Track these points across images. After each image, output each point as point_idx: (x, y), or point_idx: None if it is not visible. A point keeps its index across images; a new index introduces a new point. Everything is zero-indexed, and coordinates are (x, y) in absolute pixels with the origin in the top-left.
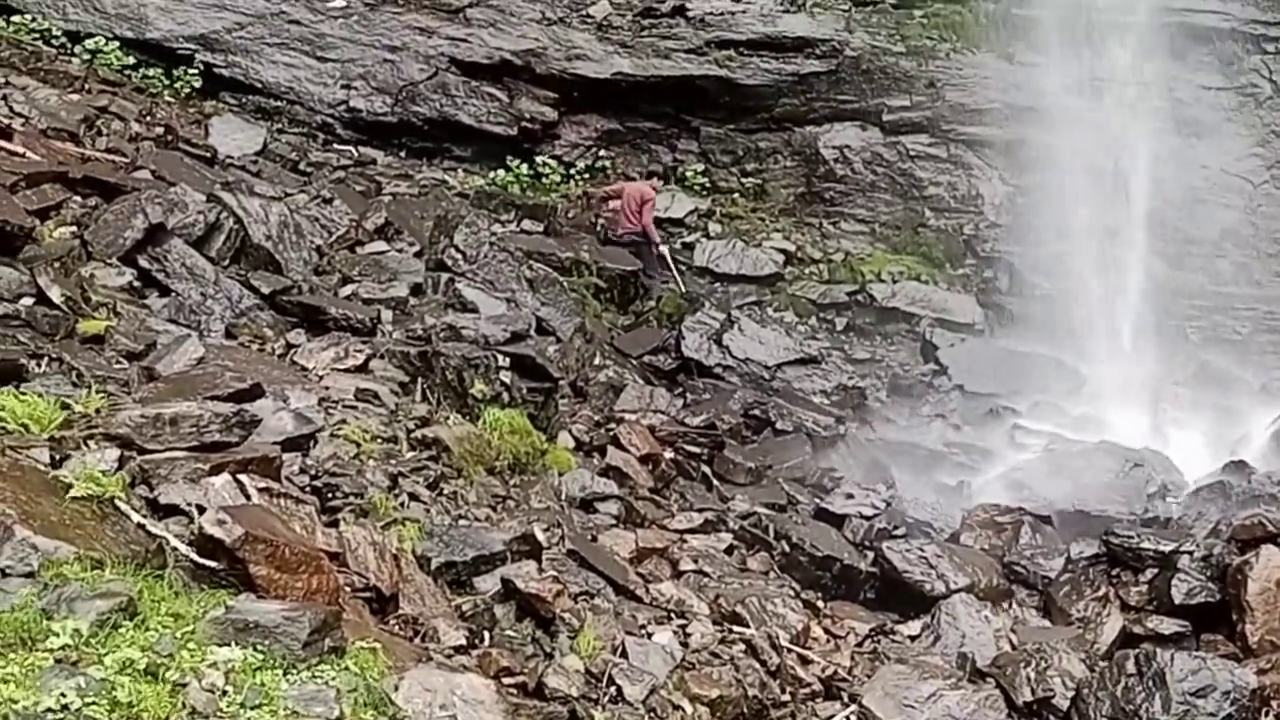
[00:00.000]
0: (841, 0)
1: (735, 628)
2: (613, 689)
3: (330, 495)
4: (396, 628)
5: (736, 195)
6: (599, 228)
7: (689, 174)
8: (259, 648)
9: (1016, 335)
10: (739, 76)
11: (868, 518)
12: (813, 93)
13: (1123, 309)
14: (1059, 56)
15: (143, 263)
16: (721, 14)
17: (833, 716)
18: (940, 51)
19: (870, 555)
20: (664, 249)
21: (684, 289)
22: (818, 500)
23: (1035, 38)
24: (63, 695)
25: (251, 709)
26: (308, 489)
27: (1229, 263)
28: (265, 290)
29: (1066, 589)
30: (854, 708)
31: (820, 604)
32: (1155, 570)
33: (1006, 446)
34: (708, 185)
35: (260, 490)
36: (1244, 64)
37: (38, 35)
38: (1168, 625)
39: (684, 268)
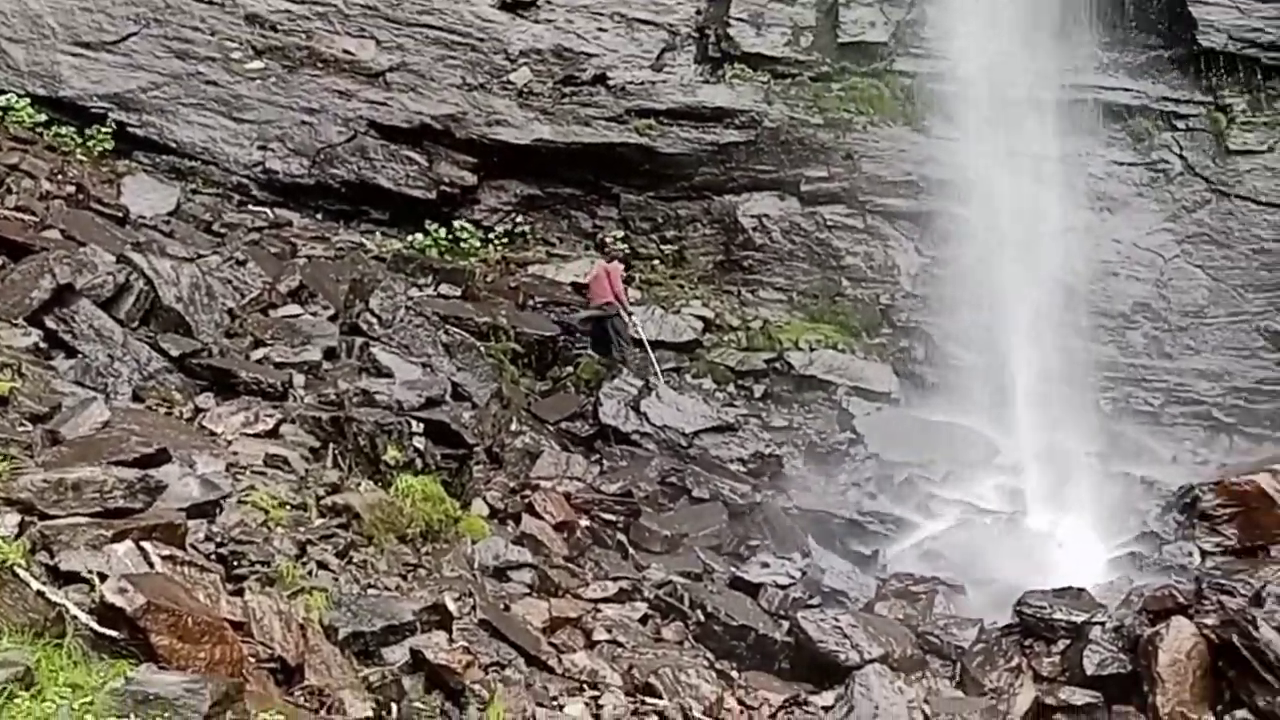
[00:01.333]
0: (760, 72)
1: (648, 699)
2: None
3: (236, 563)
4: (302, 699)
5: (656, 262)
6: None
7: (608, 240)
8: None
9: (932, 405)
10: (659, 145)
11: (783, 587)
12: (732, 162)
13: (1036, 379)
14: (973, 130)
15: (49, 324)
16: (642, 83)
17: None
18: (857, 124)
19: (785, 625)
20: (636, 322)
21: (657, 370)
22: (733, 569)
23: (950, 111)
24: None
25: None
26: (213, 556)
27: (1141, 335)
28: (174, 353)
29: (980, 659)
30: None
31: (734, 674)
32: (1068, 641)
33: (921, 516)
34: (627, 252)
35: (164, 558)
36: (1155, 140)
37: None
38: (1079, 696)
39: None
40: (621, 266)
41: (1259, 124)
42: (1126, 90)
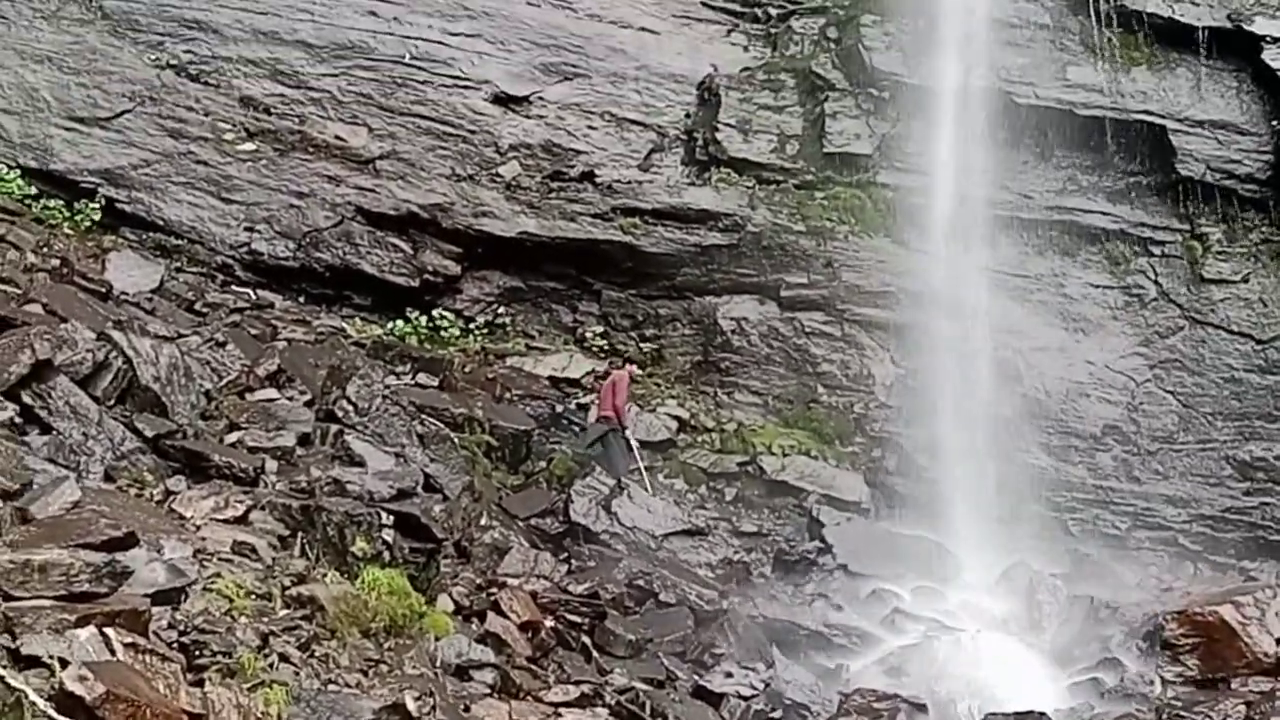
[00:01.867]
0: (746, 177)
1: None
2: None
3: (198, 653)
4: None
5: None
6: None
7: (588, 335)
8: None
9: (901, 517)
10: (643, 244)
11: (746, 698)
12: (714, 264)
13: (1005, 497)
14: (952, 245)
15: (26, 398)
16: (629, 182)
17: None
18: (839, 233)
19: None
20: (631, 437)
21: (649, 490)
22: (697, 677)
23: (929, 226)
24: None
25: None
26: (175, 645)
27: (1110, 458)
28: (149, 433)
29: None
30: None
31: None
32: None
33: (886, 631)
34: (606, 348)
35: (126, 645)
36: (1131, 265)
37: None
38: None
39: (578, 429)
40: (627, 376)
41: (1234, 254)
42: (1105, 214)
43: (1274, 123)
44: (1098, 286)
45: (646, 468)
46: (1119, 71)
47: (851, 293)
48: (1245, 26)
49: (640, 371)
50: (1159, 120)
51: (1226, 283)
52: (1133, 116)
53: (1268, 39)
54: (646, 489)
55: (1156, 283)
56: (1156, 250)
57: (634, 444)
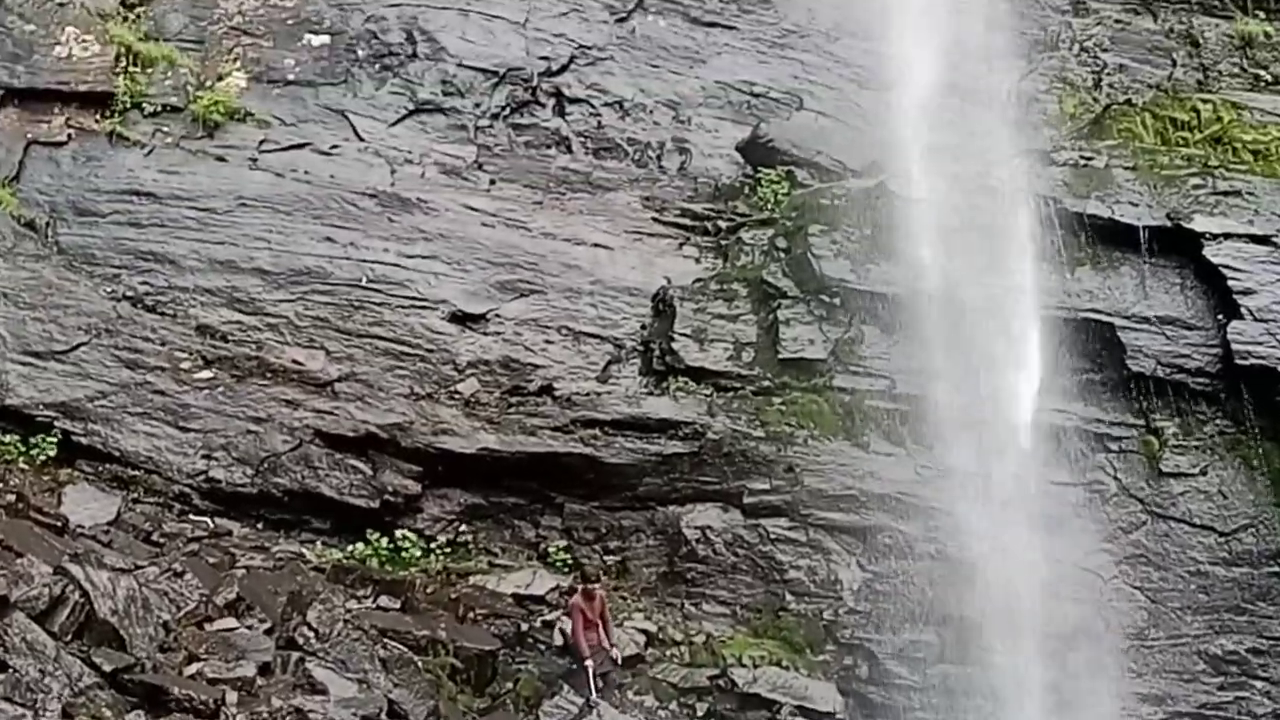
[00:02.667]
0: (703, 385)
1: None
2: None
3: None
4: None
5: (599, 573)
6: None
7: (551, 550)
8: None
9: None
10: (604, 455)
11: None
12: (676, 473)
13: (978, 701)
14: (911, 448)
15: None
16: (588, 394)
17: None
18: (799, 438)
19: None
20: (591, 669)
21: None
22: None
23: (888, 428)
24: None
25: None
26: None
27: (1082, 658)
28: (107, 668)
29: None
30: None
31: None
32: None
33: None
34: (570, 562)
35: None
36: (1090, 461)
37: None
38: None
39: (544, 647)
40: (580, 601)
41: (1190, 447)
42: (1059, 411)
43: (1219, 316)
44: (1058, 484)
45: (615, 685)
46: (1064, 272)
47: (814, 497)
48: (1185, 224)
49: (598, 587)
50: (1107, 318)
51: (1185, 476)
52: (1080, 315)
53: (1206, 235)
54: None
55: (1116, 478)
56: (1114, 446)
57: (591, 677)
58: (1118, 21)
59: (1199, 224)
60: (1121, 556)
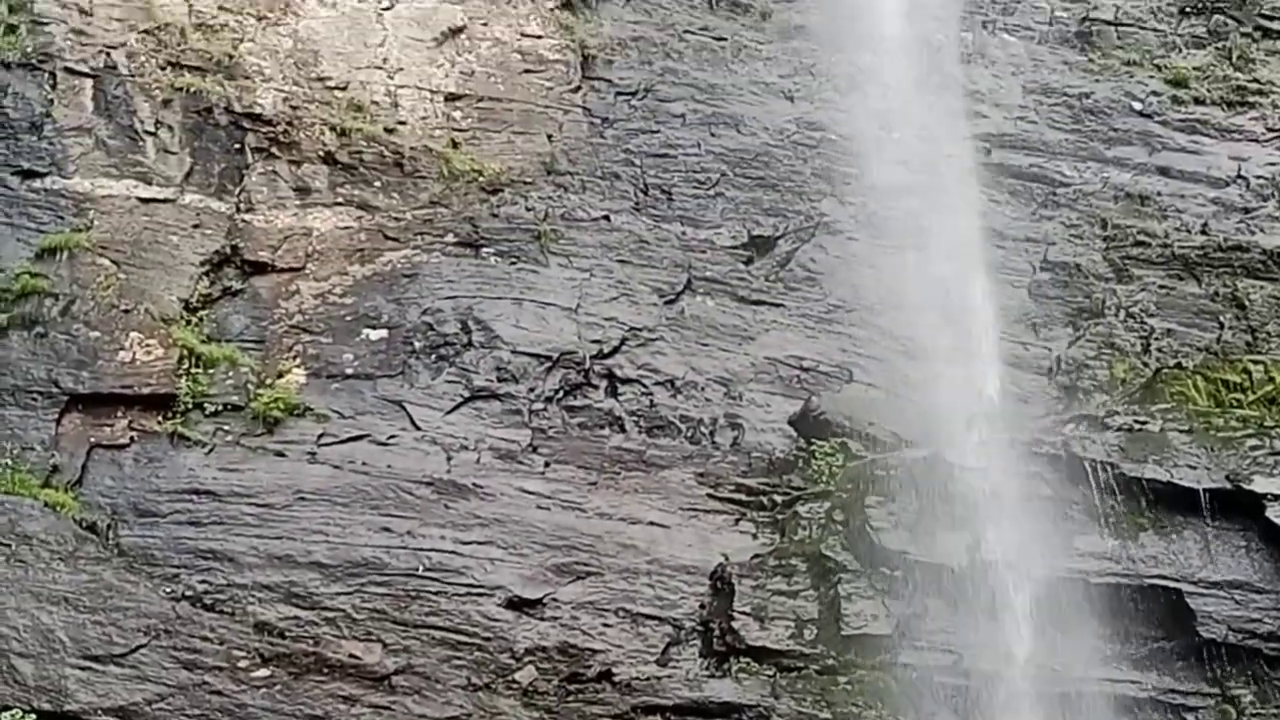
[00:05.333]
0: (766, 665)
1: None
2: None
3: None
4: None
5: None
6: None
7: None
8: None
9: None
10: None
11: None
12: None
13: None
14: None
15: None
16: (648, 679)
17: None
18: (867, 718)
19: None
20: None
21: None
22: None
23: (957, 705)
24: None
25: None
26: None
27: None
28: None
29: None
30: None
31: None
32: None
33: None
34: None
35: None
36: None
37: None
38: None
39: None
40: None
41: (1268, 715)
42: (1133, 683)
43: None
44: None
45: None
46: (1126, 537)
47: None
48: (1245, 486)
49: None
50: (1173, 584)
51: None
52: (1146, 582)
53: (1269, 497)
54: None
55: None
56: (1189, 716)
57: None
58: (1162, 287)
59: (1259, 485)
60: None
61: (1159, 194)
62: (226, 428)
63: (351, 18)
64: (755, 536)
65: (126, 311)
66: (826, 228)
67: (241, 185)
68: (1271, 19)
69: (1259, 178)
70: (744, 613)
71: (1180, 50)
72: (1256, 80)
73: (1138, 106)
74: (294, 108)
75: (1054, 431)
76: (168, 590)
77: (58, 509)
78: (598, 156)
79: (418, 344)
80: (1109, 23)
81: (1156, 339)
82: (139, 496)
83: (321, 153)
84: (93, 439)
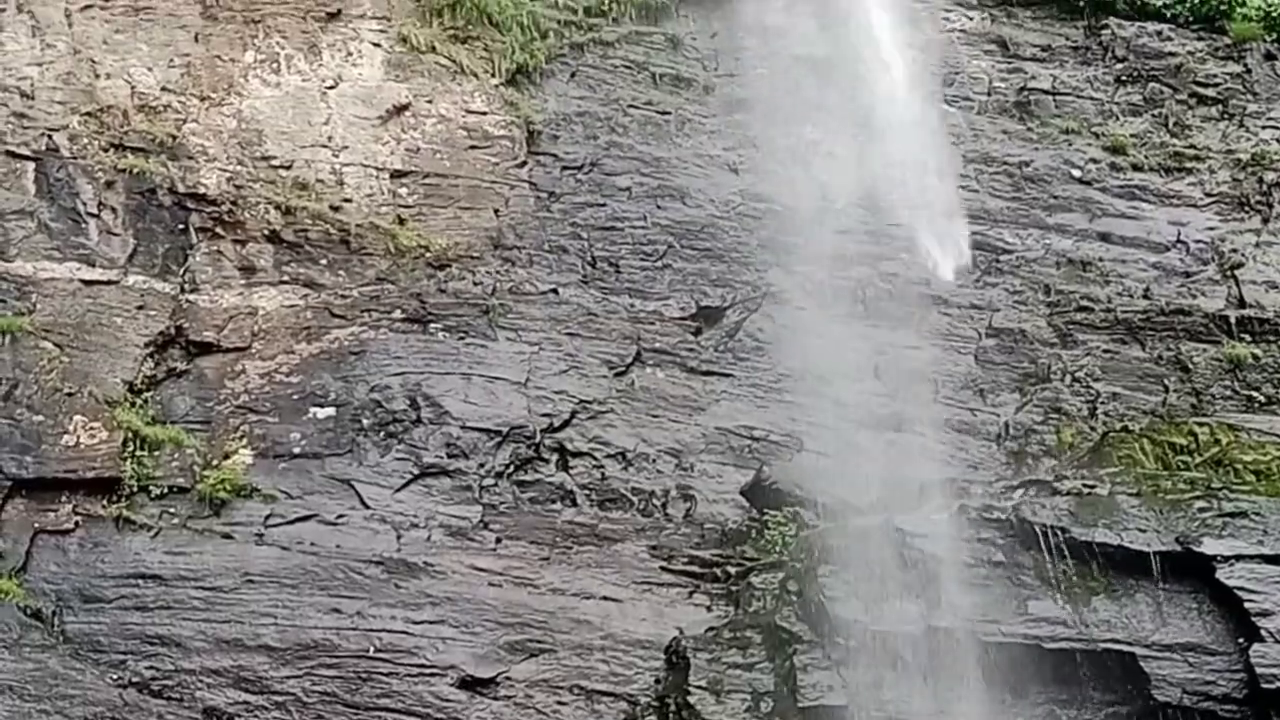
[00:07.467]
0: None
1: None
2: None
3: None
4: None
5: None
6: None
7: None
8: None
9: None
10: None
11: None
12: None
13: None
14: None
15: None
16: None
17: None
18: None
19: None
20: None
21: None
22: None
23: None
24: None
25: None
26: None
27: None
28: None
29: None
30: None
31: None
32: None
33: None
34: None
35: None
36: None
37: None
38: None
39: None
40: None
41: None
42: None
43: (1240, 640)
44: None
45: None
46: (1079, 602)
47: None
48: (1195, 548)
49: None
50: (1127, 648)
51: None
52: (1100, 646)
53: (1218, 558)
54: None
55: None
56: None
57: None
58: (1106, 351)
59: (1209, 547)
60: None
61: (1101, 260)
62: (172, 510)
63: (296, 96)
64: (710, 609)
65: (70, 395)
66: (773, 297)
67: (186, 265)
68: (1205, 86)
69: (1198, 242)
70: (700, 687)
71: (1117, 118)
72: (1193, 146)
73: (1077, 174)
74: (238, 187)
75: (1004, 497)
76: (114, 677)
77: (2, 596)
78: (545, 230)
79: (366, 422)
80: (1046, 92)
81: (1103, 403)
82: (84, 582)
83: (266, 231)
84: (37, 524)
